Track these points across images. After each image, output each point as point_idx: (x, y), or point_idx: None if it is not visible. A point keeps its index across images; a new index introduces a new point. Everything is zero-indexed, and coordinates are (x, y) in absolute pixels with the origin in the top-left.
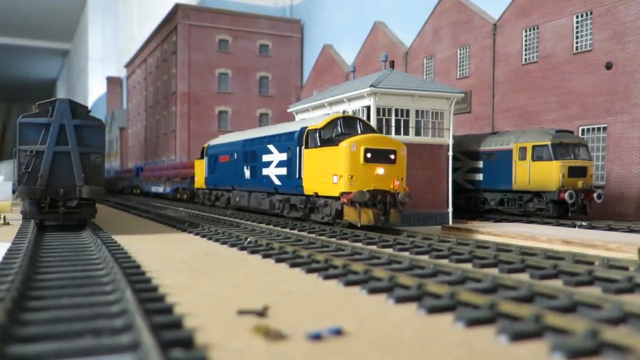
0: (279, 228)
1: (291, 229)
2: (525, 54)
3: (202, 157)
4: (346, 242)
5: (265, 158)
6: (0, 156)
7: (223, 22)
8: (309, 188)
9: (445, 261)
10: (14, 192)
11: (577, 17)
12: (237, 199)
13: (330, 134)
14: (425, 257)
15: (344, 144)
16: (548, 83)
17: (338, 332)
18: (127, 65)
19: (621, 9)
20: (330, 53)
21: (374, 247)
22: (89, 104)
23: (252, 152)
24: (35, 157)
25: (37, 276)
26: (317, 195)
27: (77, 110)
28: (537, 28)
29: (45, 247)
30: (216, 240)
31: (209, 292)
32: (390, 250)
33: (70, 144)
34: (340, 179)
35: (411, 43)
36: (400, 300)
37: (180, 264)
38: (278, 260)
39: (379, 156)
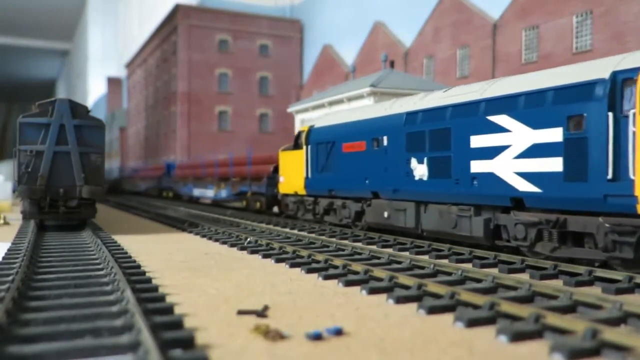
0: (279, 228)
1: (291, 228)
2: (525, 54)
3: (296, 147)
4: (346, 242)
5: (482, 141)
6: (1, 156)
7: (223, 22)
8: None
9: (445, 261)
10: (14, 192)
11: (577, 17)
12: (386, 214)
13: None
14: (425, 257)
15: None
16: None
17: (338, 332)
18: (128, 65)
19: (621, 9)
20: (330, 53)
21: (374, 247)
22: (89, 103)
23: (438, 132)
24: (35, 157)
25: (37, 276)
26: None
27: (77, 110)
28: (537, 28)
29: (45, 247)
30: (216, 240)
31: (209, 292)
32: (390, 250)
33: (70, 144)
34: None
35: (411, 43)
36: (400, 300)
37: (181, 263)
38: (278, 260)
39: None
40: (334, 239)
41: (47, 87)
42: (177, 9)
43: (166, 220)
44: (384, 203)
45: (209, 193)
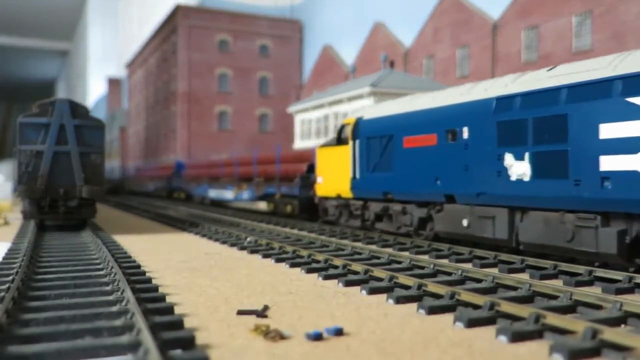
0: (279, 227)
1: (291, 228)
2: (525, 54)
3: (339, 142)
4: (346, 241)
5: (618, 131)
6: (1, 156)
7: (223, 22)
8: None
9: (445, 261)
10: (14, 191)
11: (577, 17)
12: (465, 222)
13: None
14: (425, 257)
15: None
16: None
17: (338, 332)
18: (128, 65)
19: (621, 9)
20: (330, 53)
21: (374, 247)
22: (89, 103)
23: (548, 120)
24: (35, 157)
25: (37, 276)
26: None
27: (77, 110)
28: (537, 28)
29: (45, 247)
30: (216, 240)
31: (209, 292)
32: (390, 250)
33: (70, 144)
34: None
35: (411, 43)
36: (400, 300)
37: (181, 263)
38: (278, 260)
39: None
40: (333, 239)
41: (47, 87)
42: (177, 10)
43: (166, 220)
44: (463, 209)
45: (228, 195)
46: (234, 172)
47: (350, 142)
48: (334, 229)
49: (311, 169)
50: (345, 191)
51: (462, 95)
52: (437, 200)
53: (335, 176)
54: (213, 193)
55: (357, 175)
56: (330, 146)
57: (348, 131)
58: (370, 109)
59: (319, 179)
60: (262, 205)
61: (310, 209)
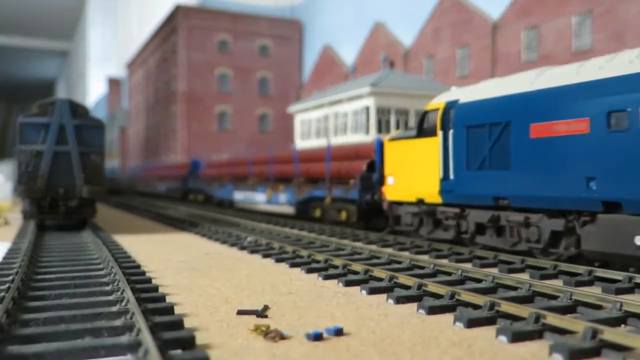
0: (278, 227)
1: (291, 228)
2: (525, 54)
3: (420, 134)
4: (346, 241)
5: None
6: (1, 156)
7: (223, 22)
8: None
9: (445, 261)
10: (14, 191)
11: (577, 17)
12: (638, 240)
13: None
14: (425, 257)
15: None
16: None
17: (338, 332)
18: (128, 65)
19: (621, 8)
20: (330, 53)
21: (374, 247)
22: (89, 103)
23: None
24: (36, 157)
25: (37, 276)
26: None
27: (77, 110)
28: (537, 28)
29: (45, 247)
30: (216, 240)
31: (209, 292)
32: (390, 250)
33: (70, 144)
34: None
35: (411, 43)
36: (400, 300)
37: (181, 264)
38: (278, 260)
39: None
40: (333, 239)
41: (47, 87)
42: (177, 10)
43: (166, 220)
44: (636, 221)
45: (259, 197)
46: (268, 171)
47: (440, 133)
48: (334, 228)
49: (371, 167)
50: (431, 195)
51: (632, 64)
52: (587, 208)
53: (413, 176)
54: (240, 195)
55: (451, 175)
56: (406, 139)
57: (437, 119)
58: (468, 89)
59: (389, 180)
60: (283, 209)
61: (372, 216)
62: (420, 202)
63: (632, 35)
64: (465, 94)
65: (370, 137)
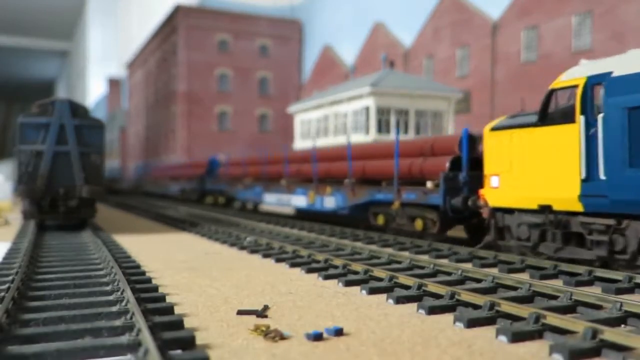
0: (278, 227)
1: (291, 228)
2: (525, 54)
3: (546, 121)
4: (346, 241)
5: None
6: (1, 156)
7: (223, 22)
8: None
9: (445, 261)
10: (14, 191)
11: (577, 17)
12: None
13: None
14: (425, 257)
15: None
16: (548, 83)
17: (338, 332)
18: (128, 65)
19: (621, 8)
20: (330, 53)
21: (374, 247)
22: (89, 103)
23: None
24: (35, 157)
25: (37, 276)
26: None
27: (77, 110)
28: (537, 28)
29: (45, 247)
30: (216, 240)
31: (209, 292)
32: (390, 250)
33: (70, 144)
34: None
35: (411, 43)
36: (400, 300)
37: (181, 263)
38: (278, 260)
39: None
40: (333, 239)
41: (47, 87)
42: (177, 10)
43: (166, 220)
44: None
45: (298, 201)
46: (312, 170)
47: (580, 119)
48: (334, 228)
49: (455, 164)
50: (565, 201)
51: None
52: None
53: (533, 176)
54: (271, 198)
55: (601, 175)
56: (520, 127)
57: (576, 99)
58: (625, 58)
59: (493, 181)
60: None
61: (459, 225)
62: (544, 209)
63: (632, 35)
64: (622, 65)
65: (370, 137)
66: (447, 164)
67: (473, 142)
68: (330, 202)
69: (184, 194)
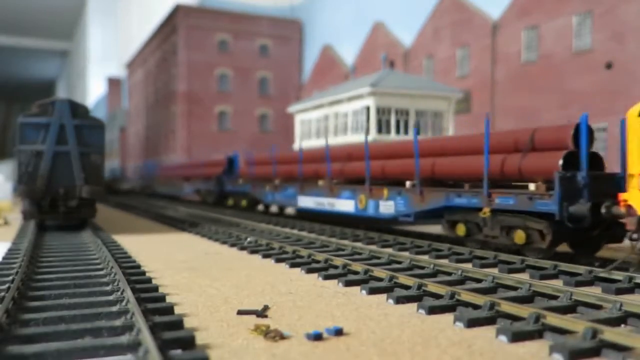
0: (279, 227)
1: (291, 228)
2: (525, 54)
3: None
4: (346, 242)
5: None
6: (1, 156)
7: (223, 22)
8: None
9: (445, 261)
10: (14, 192)
11: (577, 17)
12: None
13: None
14: (425, 257)
15: None
16: (548, 83)
17: (338, 332)
18: (128, 65)
19: (621, 8)
20: (330, 53)
21: (374, 247)
22: (89, 103)
23: None
24: (35, 157)
25: (37, 276)
26: None
27: (77, 110)
28: (537, 28)
29: (45, 247)
30: (216, 240)
31: (209, 292)
32: (390, 250)
33: (70, 144)
34: None
35: (411, 43)
36: (400, 300)
37: (180, 263)
38: (278, 260)
39: None
40: (333, 239)
41: (47, 87)
42: (177, 9)
43: (166, 220)
44: None
45: (344, 206)
46: (365, 169)
47: None
48: (334, 228)
49: (569, 162)
50: None
51: None
52: None
53: None
54: (308, 202)
55: None
56: None
57: None
58: None
59: None
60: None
61: (574, 239)
62: None
63: (632, 35)
64: None
65: (371, 137)
66: (560, 162)
67: (591, 133)
68: (388, 207)
69: (200, 196)
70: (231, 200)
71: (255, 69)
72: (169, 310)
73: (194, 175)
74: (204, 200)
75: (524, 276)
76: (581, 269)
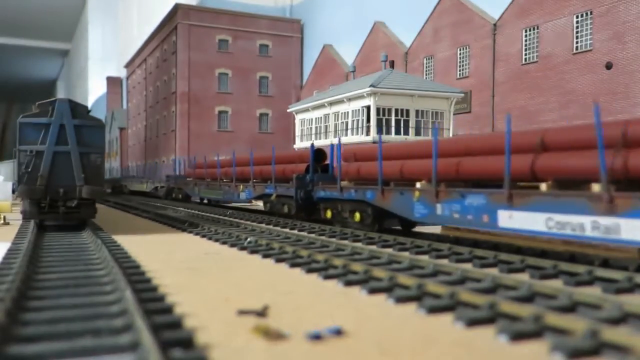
0: (278, 228)
1: (291, 228)
2: (525, 54)
3: None
4: (346, 242)
5: None
6: (1, 156)
7: (223, 22)
8: None
9: (445, 261)
10: (14, 192)
11: (577, 17)
12: None
13: None
14: (425, 257)
15: None
16: (548, 83)
17: (338, 332)
18: (127, 65)
19: (621, 8)
20: (330, 53)
21: (374, 247)
22: (89, 103)
23: None
24: (35, 157)
25: (37, 276)
26: None
27: (77, 110)
28: (537, 28)
29: (45, 247)
30: (216, 240)
31: (209, 292)
32: (390, 250)
33: (70, 144)
34: None
35: (411, 43)
36: (400, 300)
37: (180, 263)
38: (278, 260)
39: None
40: (333, 239)
41: (47, 87)
42: (176, 9)
43: (166, 220)
44: None
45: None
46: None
47: None
48: (334, 229)
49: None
50: None
51: None
52: None
53: None
54: (536, 223)
55: None
56: None
57: None
58: None
59: None
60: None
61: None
62: None
63: (632, 35)
64: None
65: (371, 137)
66: None
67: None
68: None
69: (272, 206)
70: (329, 212)
71: (255, 69)
72: (169, 310)
73: (255, 175)
74: (272, 210)
75: (524, 276)
76: (581, 268)
